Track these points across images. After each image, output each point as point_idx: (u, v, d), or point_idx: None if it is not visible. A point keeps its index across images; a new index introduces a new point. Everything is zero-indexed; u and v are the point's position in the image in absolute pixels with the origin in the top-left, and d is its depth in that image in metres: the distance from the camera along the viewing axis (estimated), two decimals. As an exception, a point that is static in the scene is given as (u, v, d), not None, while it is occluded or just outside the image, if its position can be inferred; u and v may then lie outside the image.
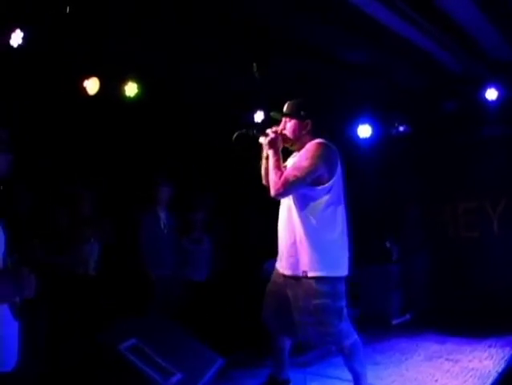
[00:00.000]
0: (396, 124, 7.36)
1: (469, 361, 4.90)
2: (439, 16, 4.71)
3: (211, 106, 6.13)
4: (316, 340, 3.59)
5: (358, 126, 7.39)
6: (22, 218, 4.51)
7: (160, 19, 4.64)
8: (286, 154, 3.69)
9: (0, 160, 2.31)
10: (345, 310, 3.45)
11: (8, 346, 2.16)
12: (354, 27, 4.94)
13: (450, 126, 7.06)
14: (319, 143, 3.43)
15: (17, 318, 2.17)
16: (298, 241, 3.43)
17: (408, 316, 7.05)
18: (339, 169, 3.45)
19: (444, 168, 7.42)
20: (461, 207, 7.51)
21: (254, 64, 5.44)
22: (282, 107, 3.69)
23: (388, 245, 7.31)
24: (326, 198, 3.38)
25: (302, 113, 3.56)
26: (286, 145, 3.62)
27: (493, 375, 4.48)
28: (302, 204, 3.41)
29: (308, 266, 3.36)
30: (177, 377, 3.78)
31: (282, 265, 3.58)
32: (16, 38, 4.44)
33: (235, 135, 3.52)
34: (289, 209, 3.51)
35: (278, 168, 3.40)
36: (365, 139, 7.44)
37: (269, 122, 3.95)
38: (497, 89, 6.28)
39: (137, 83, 5.72)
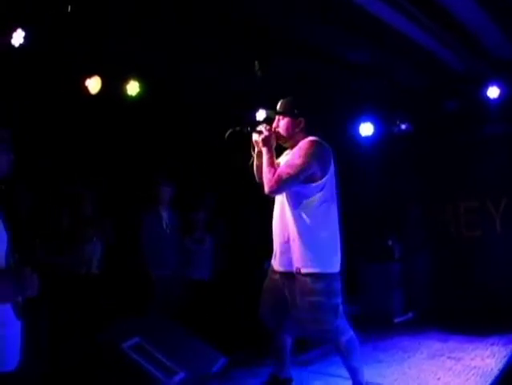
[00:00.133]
0: (398, 123, 7.35)
1: (472, 359, 4.90)
2: (440, 14, 4.70)
3: (212, 105, 6.13)
4: (315, 337, 3.60)
5: (360, 124, 7.40)
6: (24, 218, 4.52)
7: (160, 19, 4.64)
8: (279, 151, 3.70)
9: (1, 159, 2.30)
10: (341, 307, 3.46)
11: (10, 346, 2.16)
12: (355, 27, 4.94)
13: (452, 124, 7.04)
14: (313, 141, 3.44)
15: (19, 317, 2.17)
16: (291, 239, 3.44)
17: (410, 314, 7.05)
18: (332, 167, 3.47)
19: (445, 166, 7.40)
20: (462, 206, 7.50)
21: (256, 63, 5.44)
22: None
23: (390, 243, 7.30)
24: (319, 196, 3.40)
25: (295, 111, 3.57)
26: (280, 142, 3.63)
27: (496, 373, 4.48)
28: (296, 202, 3.42)
29: (301, 263, 3.38)
30: (180, 376, 3.79)
31: (277, 262, 3.60)
32: (18, 38, 4.46)
33: (228, 132, 3.52)
34: (282, 207, 3.53)
35: (272, 165, 3.42)
36: (367, 138, 7.46)
37: (264, 120, 3.94)
38: (499, 87, 6.27)
39: (139, 82, 5.72)
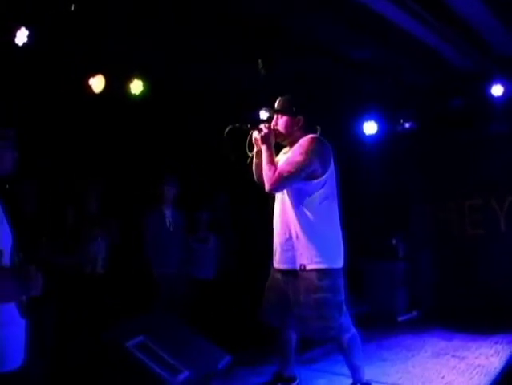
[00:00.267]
0: (402, 121, 7.34)
1: (476, 358, 4.89)
2: (444, 11, 4.69)
3: (215, 105, 6.11)
4: (318, 334, 3.58)
5: (364, 123, 7.38)
6: (29, 217, 4.53)
7: (159, 19, 4.64)
8: (277, 150, 3.69)
9: (6, 158, 2.31)
10: (344, 304, 3.46)
11: (15, 345, 2.17)
12: (359, 25, 4.94)
13: (456, 123, 7.02)
14: (312, 138, 3.44)
15: (24, 316, 2.18)
16: (294, 236, 3.44)
17: (414, 313, 7.05)
18: (332, 164, 3.47)
19: (450, 165, 7.39)
20: (466, 204, 7.48)
21: (260, 61, 5.43)
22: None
23: (394, 242, 7.30)
24: (321, 192, 3.40)
25: (293, 109, 3.57)
26: (279, 140, 3.63)
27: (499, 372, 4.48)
28: (298, 199, 3.42)
29: (306, 260, 3.38)
30: (185, 374, 3.79)
31: (277, 260, 3.59)
32: (21, 37, 4.45)
33: (227, 129, 3.52)
34: (283, 205, 3.52)
35: (272, 162, 3.42)
36: (371, 136, 7.44)
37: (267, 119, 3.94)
38: (503, 85, 6.24)
39: (143, 80, 5.72)
